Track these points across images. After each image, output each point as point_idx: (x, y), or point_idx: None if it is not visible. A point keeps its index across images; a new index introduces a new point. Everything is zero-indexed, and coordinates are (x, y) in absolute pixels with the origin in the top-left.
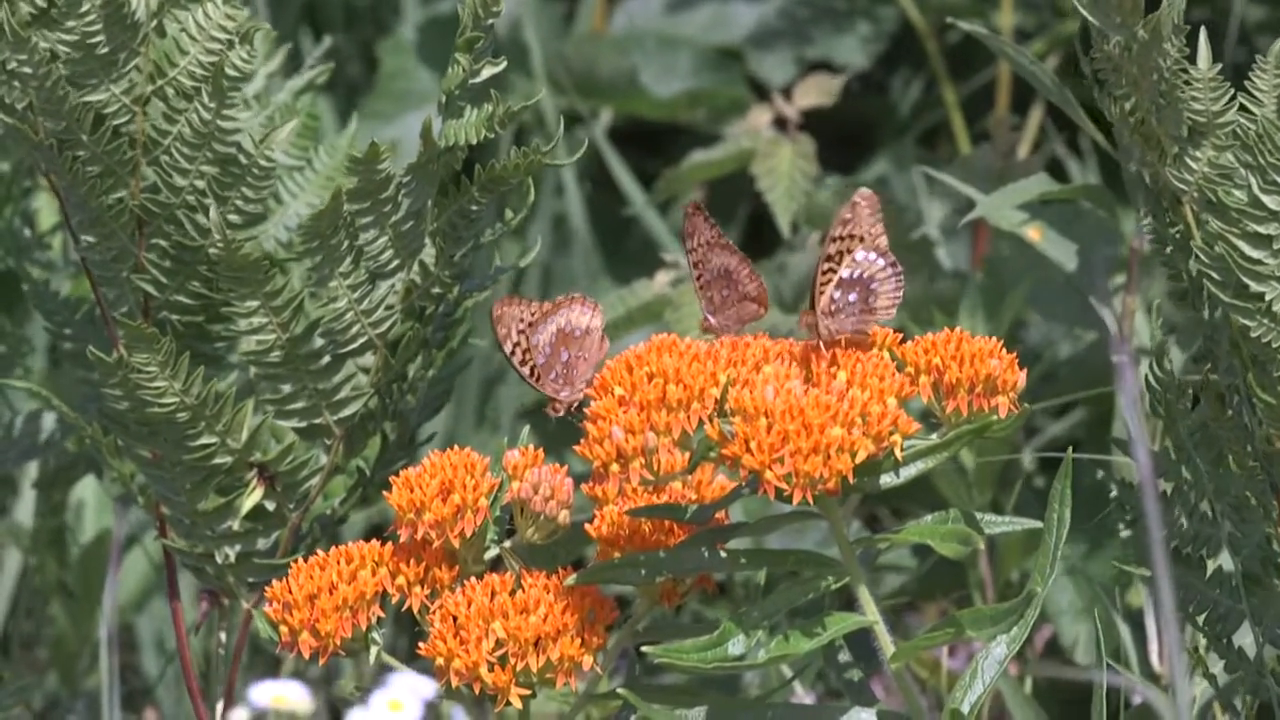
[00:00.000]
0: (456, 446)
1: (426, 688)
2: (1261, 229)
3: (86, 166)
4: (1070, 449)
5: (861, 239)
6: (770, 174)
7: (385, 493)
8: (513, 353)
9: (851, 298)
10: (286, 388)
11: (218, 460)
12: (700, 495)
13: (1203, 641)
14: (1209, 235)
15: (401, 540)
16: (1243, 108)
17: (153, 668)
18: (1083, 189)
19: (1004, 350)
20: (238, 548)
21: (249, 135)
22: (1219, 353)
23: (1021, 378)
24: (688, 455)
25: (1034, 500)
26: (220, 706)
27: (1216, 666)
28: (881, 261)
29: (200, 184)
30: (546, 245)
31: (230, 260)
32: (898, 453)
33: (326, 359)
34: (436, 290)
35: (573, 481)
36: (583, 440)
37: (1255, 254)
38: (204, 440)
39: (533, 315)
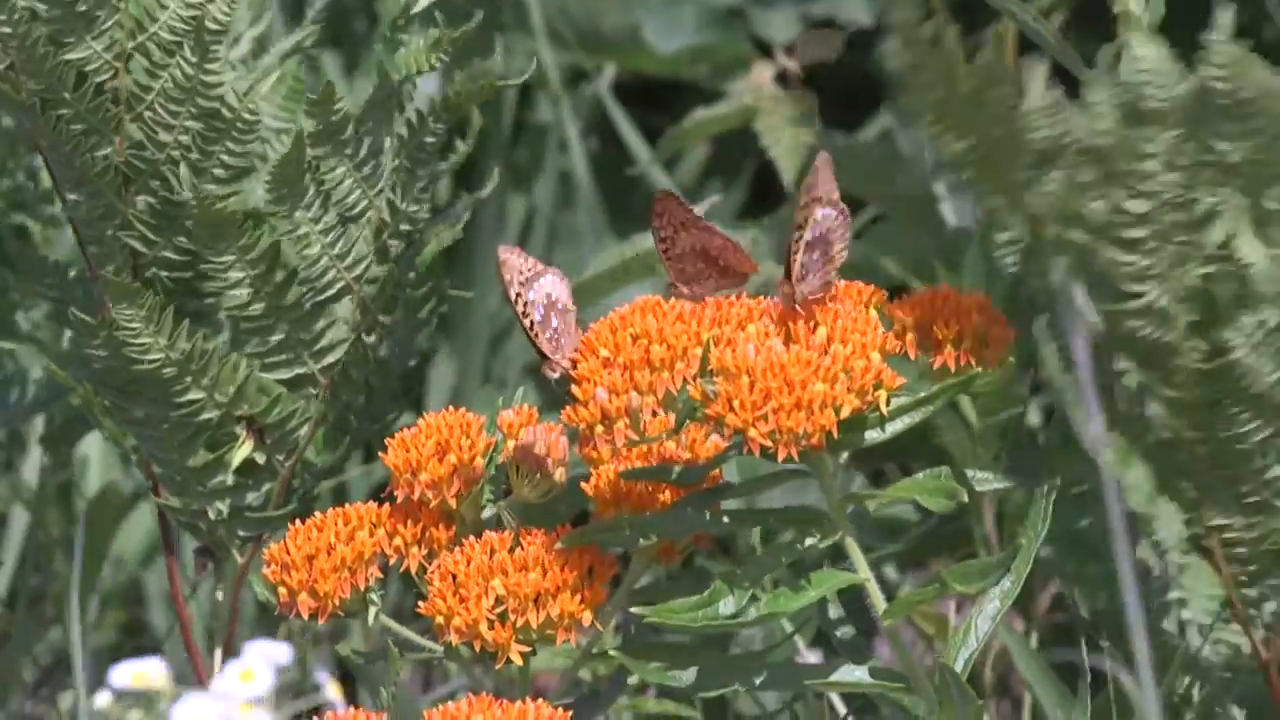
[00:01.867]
0: (463, 404)
1: (282, 654)
2: (1130, 233)
3: (70, 125)
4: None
5: (819, 199)
6: (773, 130)
7: (381, 453)
8: (515, 301)
9: (815, 256)
10: (269, 339)
11: (206, 415)
12: (694, 454)
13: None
14: (1078, 249)
15: (399, 500)
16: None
17: (161, 622)
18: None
19: (991, 305)
20: (229, 502)
21: (232, 90)
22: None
23: (1009, 333)
24: (673, 415)
25: (1039, 455)
26: (218, 664)
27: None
28: (834, 212)
29: (185, 139)
30: (551, 201)
31: (204, 217)
32: (882, 407)
33: (306, 307)
34: (405, 228)
35: (568, 439)
36: (568, 404)
37: (1128, 258)
38: (191, 395)
39: (528, 270)
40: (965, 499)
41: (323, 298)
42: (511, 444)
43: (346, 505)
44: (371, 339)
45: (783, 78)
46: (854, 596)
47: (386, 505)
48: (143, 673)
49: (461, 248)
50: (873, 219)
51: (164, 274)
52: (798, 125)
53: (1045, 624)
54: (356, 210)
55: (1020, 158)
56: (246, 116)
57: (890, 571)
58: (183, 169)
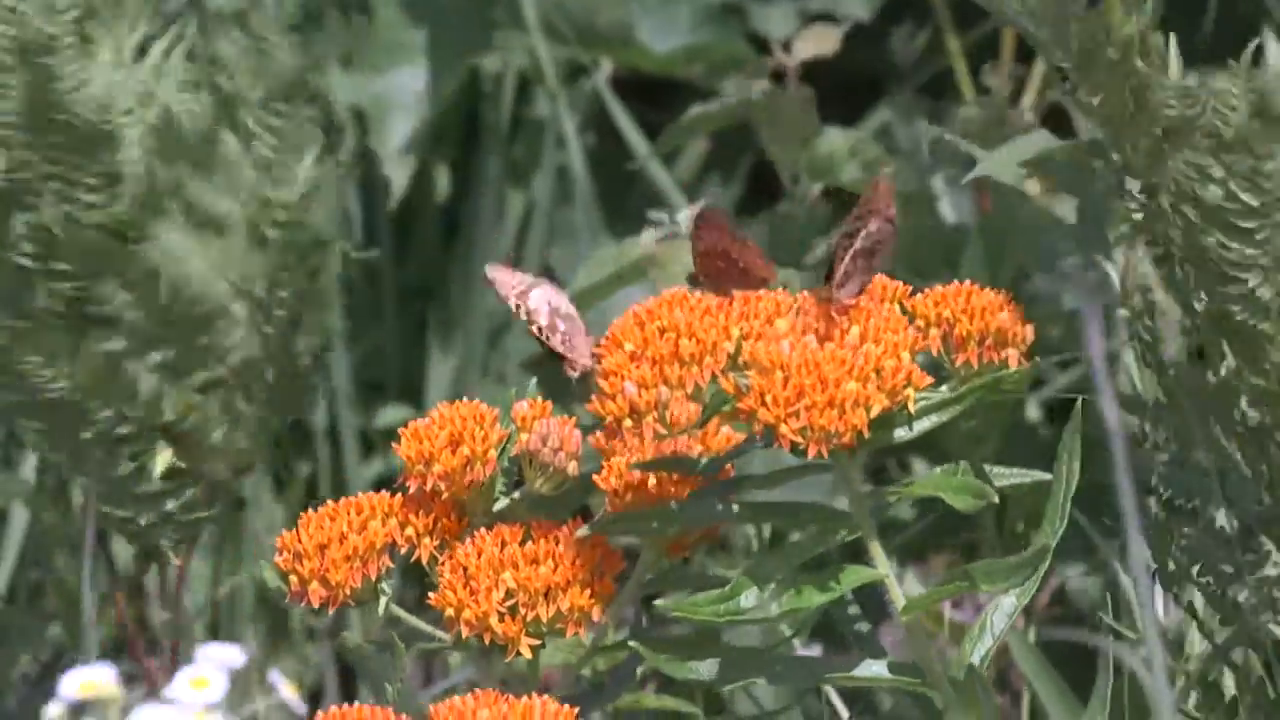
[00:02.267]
0: (463, 398)
1: (235, 657)
2: (1240, 223)
3: None
4: (1080, 400)
5: (875, 212)
6: (770, 126)
7: (394, 444)
8: (517, 311)
9: (860, 263)
10: (168, 351)
11: (121, 430)
12: (706, 446)
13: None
14: (1189, 225)
15: (411, 491)
16: (1218, 110)
17: (160, 618)
18: (1085, 145)
19: (1013, 304)
20: (158, 508)
21: (86, 104)
22: (1201, 325)
23: (1030, 331)
24: (699, 408)
25: (1038, 450)
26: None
27: (1214, 621)
28: (889, 226)
29: (52, 156)
30: (549, 197)
31: (75, 248)
32: (911, 407)
33: (197, 316)
34: (280, 216)
35: (580, 433)
36: (594, 396)
37: (1235, 244)
38: (102, 414)
39: (519, 284)
40: (995, 499)
41: (210, 305)
42: (524, 436)
43: (357, 495)
44: (271, 331)
45: (780, 74)
46: (859, 590)
47: (399, 495)
48: (92, 681)
49: (460, 244)
50: None
51: (58, 287)
52: (795, 121)
53: (1045, 617)
54: (224, 212)
55: (1150, 129)
56: (103, 127)
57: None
58: (47, 205)
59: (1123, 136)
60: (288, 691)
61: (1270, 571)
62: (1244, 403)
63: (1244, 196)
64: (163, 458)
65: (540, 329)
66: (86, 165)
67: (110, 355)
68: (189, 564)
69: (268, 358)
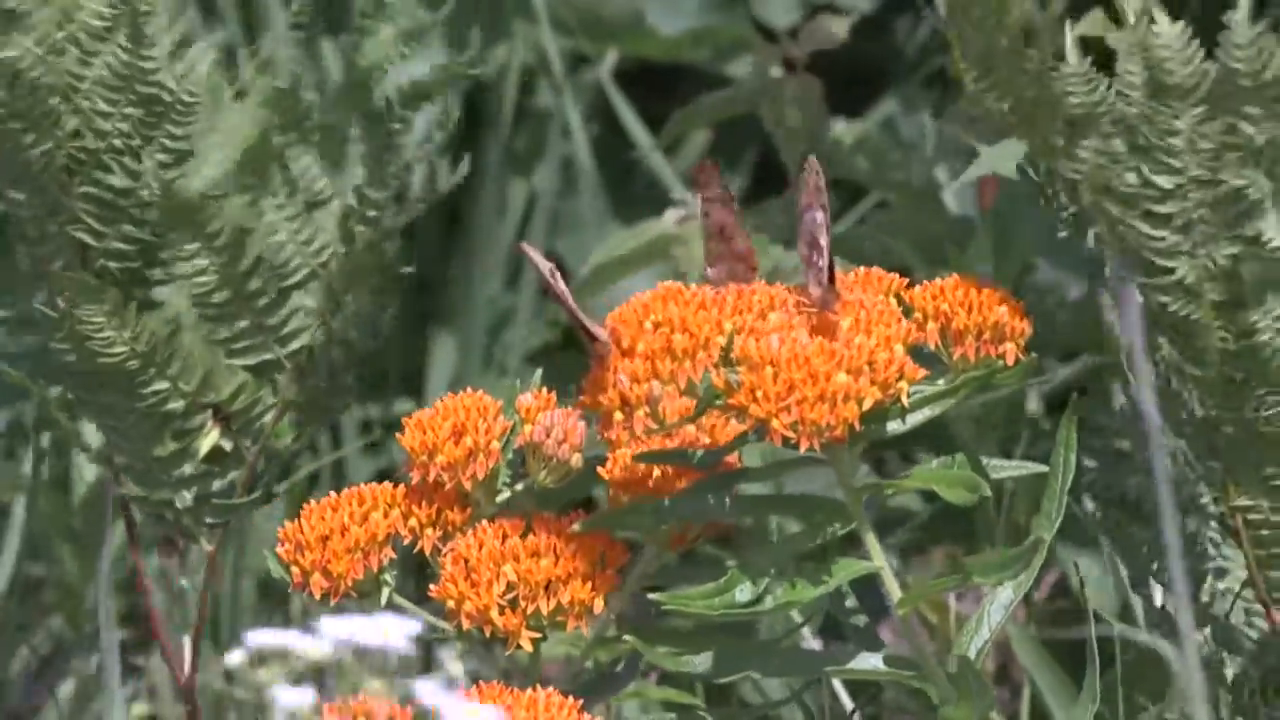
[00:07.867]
0: (464, 389)
1: (414, 627)
2: (1159, 208)
3: (8, 123)
4: (1075, 393)
5: (810, 205)
6: (777, 116)
7: (397, 434)
8: (552, 287)
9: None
10: (234, 326)
11: (171, 405)
12: (713, 438)
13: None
14: (1110, 219)
15: (414, 482)
16: (1120, 93)
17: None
18: None
19: (1012, 297)
20: (196, 491)
21: (169, 74)
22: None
23: (1028, 325)
24: (693, 402)
25: (1043, 443)
26: (189, 653)
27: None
28: (821, 215)
29: (125, 127)
30: (554, 188)
31: (167, 204)
32: (904, 399)
33: (271, 294)
34: (372, 214)
35: (585, 424)
36: (585, 388)
37: (1157, 233)
38: (156, 386)
39: (547, 265)
40: (988, 492)
41: (288, 284)
42: (528, 428)
43: (359, 486)
44: (337, 324)
45: (786, 63)
46: (859, 583)
47: (401, 486)
48: (280, 639)
49: (462, 234)
50: (876, 204)
51: (113, 265)
52: (801, 111)
53: (1046, 610)
54: (323, 197)
55: (1055, 121)
56: (185, 99)
57: (890, 559)
58: (146, 158)
59: (1032, 132)
60: (454, 668)
61: (1237, 574)
62: (1191, 400)
63: (1158, 180)
64: (209, 438)
65: (573, 313)
66: (159, 137)
67: (171, 323)
68: (221, 551)
69: (328, 348)
